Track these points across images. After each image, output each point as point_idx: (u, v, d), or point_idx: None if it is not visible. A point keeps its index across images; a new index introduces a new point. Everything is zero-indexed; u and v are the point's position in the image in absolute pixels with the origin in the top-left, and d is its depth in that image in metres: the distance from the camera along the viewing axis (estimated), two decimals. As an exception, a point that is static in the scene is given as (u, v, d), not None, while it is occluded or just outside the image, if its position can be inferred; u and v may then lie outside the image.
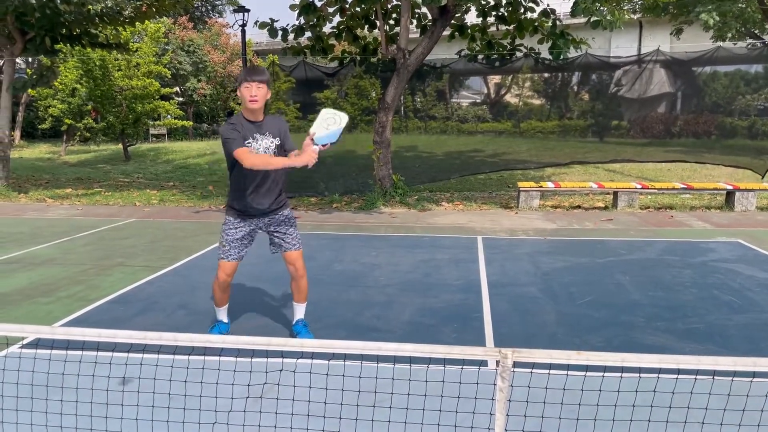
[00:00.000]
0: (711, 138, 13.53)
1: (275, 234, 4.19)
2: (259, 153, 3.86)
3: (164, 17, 22.24)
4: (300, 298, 4.38)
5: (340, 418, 2.79)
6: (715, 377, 2.48)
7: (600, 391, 2.65)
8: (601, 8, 9.82)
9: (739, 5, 14.83)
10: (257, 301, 5.33)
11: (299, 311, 4.42)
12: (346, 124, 3.75)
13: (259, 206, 4.04)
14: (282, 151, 3.97)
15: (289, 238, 4.18)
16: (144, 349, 2.55)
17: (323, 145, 3.65)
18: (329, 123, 3.70)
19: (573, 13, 10.31)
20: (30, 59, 26.37)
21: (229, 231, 4.11)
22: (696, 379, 2.49)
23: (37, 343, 4.05)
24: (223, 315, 4.45)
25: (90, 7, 11.98)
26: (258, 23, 11.78)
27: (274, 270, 6.33)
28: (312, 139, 3.63)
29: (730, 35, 16.74)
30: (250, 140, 3.88)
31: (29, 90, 21.87)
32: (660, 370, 3.08)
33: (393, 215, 10.16)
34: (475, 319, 4.85)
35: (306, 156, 3.57)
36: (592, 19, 9.84)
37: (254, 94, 3.80)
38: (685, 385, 2.86)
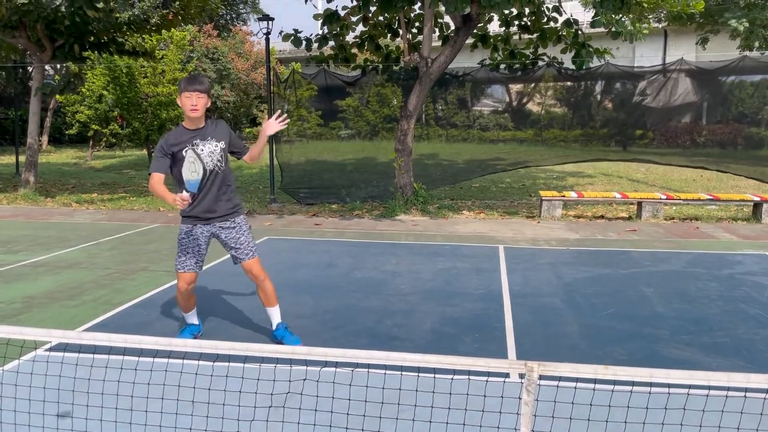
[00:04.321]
0: (737, 148, 13.31)
1: (228, 243, 4.20)
2: (203, 157, 4.01)
3: (189, 25, 22.54)
4: (269, 302, 4.36)
5: (362, 430, 2.77)
6: (747, 395, 2.42)
7: (628, 407, 2.60)
8: (623, 18, 9.75)
9: (767, 14, 14.63)
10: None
11: (274, 315, 4.40)
12: (202, 177, 3.94)
13: (209, 213, 4.11)
14: (228, 152, 4.15)
15: (242, 247, 4.19)
16: (169, 355, 2.57)
17: (191, 193, 3.89)
18: (191, 170, 3.88)
19: (593, 24, 10.27)
20: (58, 66, 26.86)
21: (182, 240, 4.19)
22: (727, 396, 2.43)
23: (65, 347, 4.10)
24: (192, 318, 4.53)
25: (118, 15, 12.20)
26: (282, 34, 11.89)
27: (294, 277, 6.36)
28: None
29: (757, 44, 16.51)
30: (188, 147, 4.00)
31: (57, 96, 22.28)
32: (690, 387, 3.03)
33: (414, 223, 10.14)
34: (497, 329, 4.81)
35: (171, 198, 3.80)
36: (612, 30, 9.78)
37: (194, 103, 3.94)
38: (716, 403, 2.79)
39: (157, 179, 3.98)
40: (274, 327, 4.42)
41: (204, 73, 32.03)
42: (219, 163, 4.09)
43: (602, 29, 10.20)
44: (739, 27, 12.40)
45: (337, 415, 2.92)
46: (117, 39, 14.23)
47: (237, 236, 4.18)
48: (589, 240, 8.72)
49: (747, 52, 15.10)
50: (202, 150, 4.02)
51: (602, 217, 10.86)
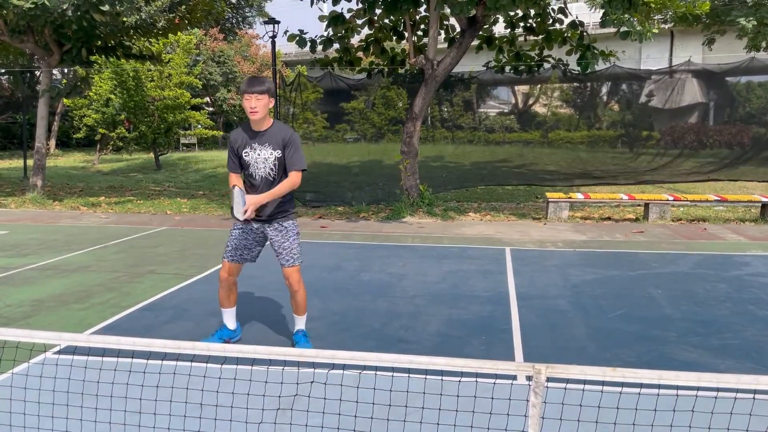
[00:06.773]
0: (745, 149, 13.26)
1: (273, 245, 4.24)
2: (257, 163, 4.05)
3: (196, 29, 22.63)
4: (298, 312, 4.41)
5: None
6: (756, 397, 2.41)
7: (636, 409, 2.59)
8: (632, 19, 9.72)
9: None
10: (287, 311, 5.35)
11: (299, 323, 4.46)
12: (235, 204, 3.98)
13: (258, 215, 4.12)
14: (282, 163, 4.07)
15: (283, 252, 4.20)
16: (178, 357, 2.58)
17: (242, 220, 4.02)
18: (236, 205, 3.97)
19: (603, 24, 10.23)
20: (65, 70, 27.00)
21: (232, 231, 4.30)
22: (736, 398, 2.42)
23: (74, 350, 4.12)
24: (229, 319, 4.47)
25: (124, 19, 12.26)
26: (287, 34, 11.92)
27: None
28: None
29: (764, 44, 16.43)
30: (248, 150, 4.05)
31: (64, 100, 22.42)
32: (698, 389, 3.01)
33: (420, 225, 10.14)
34: (504, 332, 4.80)
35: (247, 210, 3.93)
36: (621, 30, 9.74)
37: (254, 105, 3.94)
38: (725, 405, 2.78)
39: (233, 179, 4.13)
40: (294, 331, 4.48)
41: (210, 76, 32.18)
42: (271, 172, 4.07)
43: (609, 30, 10.17)
44: (747, 25, 12.36)
45: (344, 418, 2.93)
46: (124, 43, 14.30)
47: (282, 241, 4.18)
48: (596, 242, 8.69)
49: (754, 53, 15.04)
50: (258, 154, 4.03)
51: (609, 218, 10.84)
